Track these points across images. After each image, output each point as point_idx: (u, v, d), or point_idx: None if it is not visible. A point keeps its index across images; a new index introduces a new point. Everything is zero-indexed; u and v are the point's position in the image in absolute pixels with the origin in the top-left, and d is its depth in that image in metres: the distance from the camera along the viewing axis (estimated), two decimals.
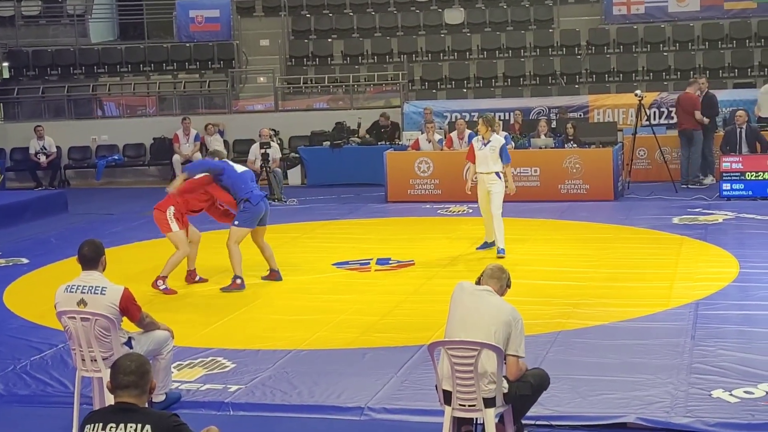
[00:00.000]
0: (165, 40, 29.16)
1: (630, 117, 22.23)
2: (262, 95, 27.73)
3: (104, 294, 8.04)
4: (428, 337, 9.82)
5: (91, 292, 8.04)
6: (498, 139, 14.38)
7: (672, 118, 21.93)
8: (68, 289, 8.15)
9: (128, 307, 8.10)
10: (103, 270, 8.26)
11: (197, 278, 13.28)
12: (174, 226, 12.73)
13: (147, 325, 8.37)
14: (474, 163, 14.57)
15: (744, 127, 19.51)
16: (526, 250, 14.74)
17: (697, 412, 7.89)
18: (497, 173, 14.32)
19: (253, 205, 12.68)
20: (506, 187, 14.55)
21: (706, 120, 20.13)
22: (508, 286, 7.46)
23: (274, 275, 13.29)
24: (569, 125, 20.49)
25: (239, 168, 12.96)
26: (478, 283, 7.40)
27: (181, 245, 12.76)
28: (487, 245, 14.73)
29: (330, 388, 8.88)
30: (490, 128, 14.31)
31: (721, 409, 7.96)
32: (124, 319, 8.18)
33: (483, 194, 14.49)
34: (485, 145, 14.26)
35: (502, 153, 14.27)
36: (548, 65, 26.45)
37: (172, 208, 12.78)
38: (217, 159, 13.16)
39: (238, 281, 12.77)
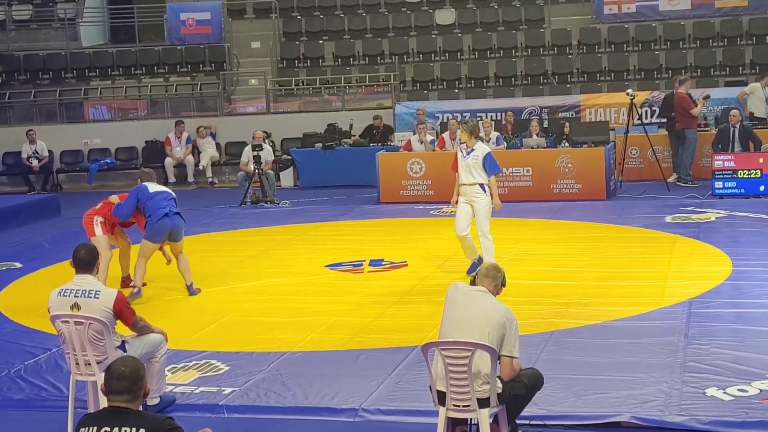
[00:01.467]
0: (156, 43, 29.12)
1: (622, 116, 22.27)
2: (253, 97, 27.72)
3: (98, 298, 8.03)
4: (422, 337, 9.82)
5: (84, 296, 8.04)
6: (482, 147, 12.91)
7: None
8: (61, 293, 8.15)
9: (122, 310, 8.10)
10: (96, 274, 8.27)
11: (131, 285, 12.93)
12: (98, 230, 12.86)
13: (141, 328, 8.36)
14: (458, 172, 13.06)
15: (737, 126, 19.55)
16: (519, 250, 14.73)
17: (691, 411, 7.91)
18: (481, 185, 12.80)
19: (154, 222, 12.47)
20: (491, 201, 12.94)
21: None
22: (503, 284, 7.47)
23: (189, 289, 12.93)
24: (566, 124, 20.44)
25: (153, 188, 12.82)
26: (473, 282, 7.42)
27: (102, 250, 12.67)
28: (477, 265, 12.20)
29: (324, 390, 8.88)
30: (472, 135, 12.89)
31: (715, 407, 7.98)
32: (118, 322, 8.18)
33: (465, 209, 12.96)
34: (468, 154, 12.81)
35: (486, 163, 12.75)
36: (540, 65, 26.46)
37: (99, 217, 12.93)
38: (139, 182, 13.06)
39: (135, 290, 12.61)
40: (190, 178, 24.41)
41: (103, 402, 5.43)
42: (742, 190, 18.34)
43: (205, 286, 13.15)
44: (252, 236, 16.88)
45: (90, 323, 7.93)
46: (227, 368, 9.64)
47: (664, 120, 20.99)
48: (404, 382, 8.98)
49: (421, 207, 19.20)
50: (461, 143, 13.12)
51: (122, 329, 8.37)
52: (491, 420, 7.15)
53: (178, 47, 28.22)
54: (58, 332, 8.16)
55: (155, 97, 27.33)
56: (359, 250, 15.18)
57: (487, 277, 7.39)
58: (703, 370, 8.84)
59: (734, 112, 19.89)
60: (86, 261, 8.22)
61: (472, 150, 12.83)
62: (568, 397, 8.34)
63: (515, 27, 27.57)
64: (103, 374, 5.45)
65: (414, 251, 14.97)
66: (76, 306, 8.02)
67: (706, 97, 20.82)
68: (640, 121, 20.97)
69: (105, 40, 30.45)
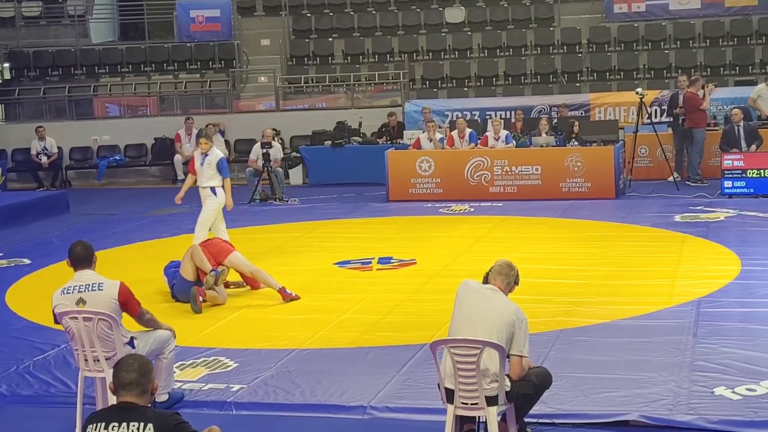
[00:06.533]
0: (166, 40, 29.18)
1: (631, 115, 22.25)
2: (263, 95, 27.74)
3: (102, 290, 8.04)
4: (430, 335, 9.81)
5: (88, 290, 8.03)
6: (216, 153, 14.17)
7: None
8: (64, 291, 8.14)
9: (127, 300, 8.09)
10: (96, 271, 8.26)
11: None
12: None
13: (147, 321, 8.36)
14: (195, 174, 14.22)
15: (741, 124, 19.56)
16: (528, 248, 14.70)
17: (699, 410, 7.90)
18: (212, 188, 14.09)
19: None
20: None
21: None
22: (516, 283, 7.43)
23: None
24: (575, 123, 20.41)
25: None
26: (485, 279, 7.40)
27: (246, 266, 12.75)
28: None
29: (332, 387, 8.88)
30: (209, 141, 14.22)
31: (724, 407, 7.97)
32: (125, 316, 8.16)
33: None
34: (204, 158, 14.03)
35: (220, 167, 14.05)
36: (549, 64, 26.44)
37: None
38: None
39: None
40: None
41: (112, 399, 5.44)
42: (752, 190, 18.32)
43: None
44: (261, 234, 16.89)
45: (98, 319, 7.93)
46: (236, 365, 9.65)
47: (671, 119, 20.98)
48: (412, 379, 8.98)
49: (430, 205, 19.20)
50: (202, 152, 14.09)
51: (130, 325, 8.37)
52: (499, 418, 7.16)
53: (188, 44, 28.26)
54: (66, 329, 8.15)
55: (164, 94, 27.41)
56: (368, 248, 15.19)
57: (500, 274, 7.35)
58: (711, 370, 8.82)
59: (735, 111, 19.93)
60: (83, 256, 8.22)
61: (206, 155, 14.04)
62: (576, 395, 8.34)
63: (525, 25, 27.55)
64: (111, 371, 5.45)
65: (423, 249, 14.97)
66: (81, 301, 8.02)
67: (715, 85, 20.86)
68: (649, 120, 20.96)
69: (114, 37, 30.53)
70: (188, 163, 14.48)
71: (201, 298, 11.95)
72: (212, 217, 14.14)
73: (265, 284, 12.49)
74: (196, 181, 14.25)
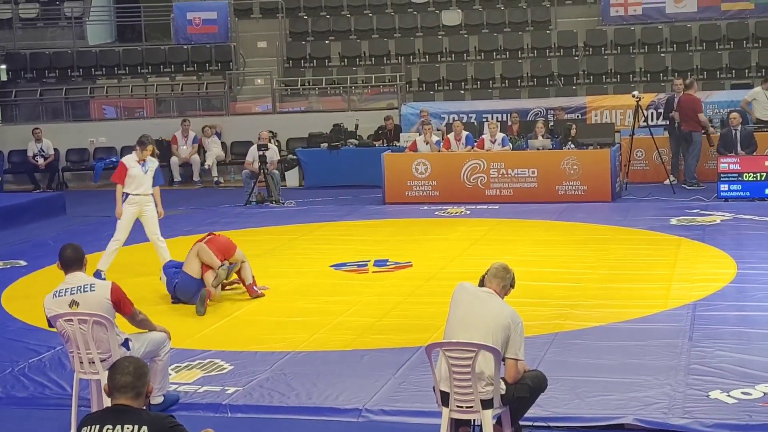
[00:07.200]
0: (162, 42, 29.15)
1: (627, 118, 22.25)
2: (259, 97, 27.73)
3: (94, 290, 8.03)
4: (426, 338, 9.83)
5: (80, 292, 8.02)
6: (154, 160, 14.22)
7: None
8: (56, 295, 8.12)
9: (120, 299, 8.08)
10: (84, 271, 8.26)
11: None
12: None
13: (141, 322, 8.35)
14: (123, 184, 13.98)
15: (739, 128, 19.59)
16: (524, 251, 14.71)
17: (694, 413, 7.90)
18: (152, 195, 14.16)
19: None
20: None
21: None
22: (512, 286, 7.42)
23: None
24: (573, 126, 20.39)
25: None
26: (481, 282, 7.39)
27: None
28: None
29: (328, 390, 8.88)
30: (154, 150, 14.40)
31: (719, 410, 7.97)
32: (118, 316, 8.14)
33: (133, 218, 14.06)
34: (144, 166, 13.98)
35: (158, 175, 14.21)
36: (546, 66, 26.46)
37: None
38: None
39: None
40: (196, 177, 24.43)
41: (107, 401, 5.43)
42: (748, 193, 18.32)
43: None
44: (257, 236, 16.88)
45: (93, 320, 7.92)
46: (231, 368, 9.65)
47: (667, 122, 21.02)
48: (408, 382, 8.97)
49: (426, 207, 19.20)
50: (140, 159, 14.06)
51: (125, 327, 8.37)
52: (494, 421, 7.15)
53: (185, 46, 28.23)
54: (60, 332, 8.14)
55: (161, 96, 27.38)
56: (364, 250, 15.18)
57: (496, 277, 7.34)
58: (706, 373, 8.83)
59: (734, 114, 19.95)
60: (74, 259, 8.22)
61: (145, 162, 14.04)
62: (571, 398, 8.34)
63: (521, 28, 27.56)
64: (106, 373, 5.45)
65: (419, 252, 14.97)
66: (74, 303, 8.00)
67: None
68: (645, 123, 20.95)
69: (111, 39, 30.51)
70: (118, 172, 14.16)
71: (208, 300, 11.96)
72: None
73: (242, 275, 12.64)
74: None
